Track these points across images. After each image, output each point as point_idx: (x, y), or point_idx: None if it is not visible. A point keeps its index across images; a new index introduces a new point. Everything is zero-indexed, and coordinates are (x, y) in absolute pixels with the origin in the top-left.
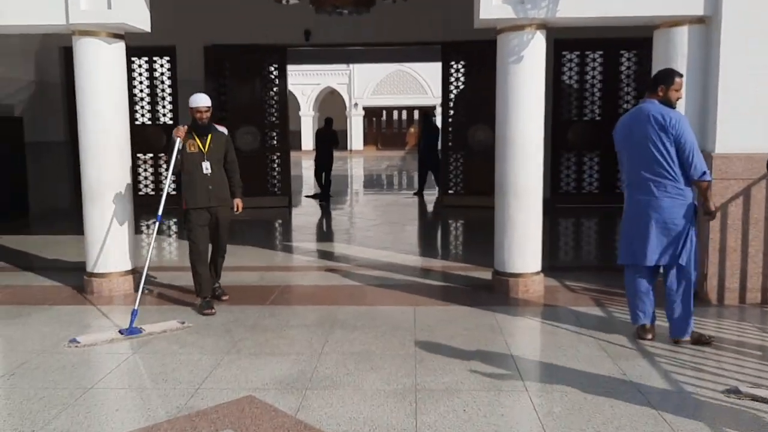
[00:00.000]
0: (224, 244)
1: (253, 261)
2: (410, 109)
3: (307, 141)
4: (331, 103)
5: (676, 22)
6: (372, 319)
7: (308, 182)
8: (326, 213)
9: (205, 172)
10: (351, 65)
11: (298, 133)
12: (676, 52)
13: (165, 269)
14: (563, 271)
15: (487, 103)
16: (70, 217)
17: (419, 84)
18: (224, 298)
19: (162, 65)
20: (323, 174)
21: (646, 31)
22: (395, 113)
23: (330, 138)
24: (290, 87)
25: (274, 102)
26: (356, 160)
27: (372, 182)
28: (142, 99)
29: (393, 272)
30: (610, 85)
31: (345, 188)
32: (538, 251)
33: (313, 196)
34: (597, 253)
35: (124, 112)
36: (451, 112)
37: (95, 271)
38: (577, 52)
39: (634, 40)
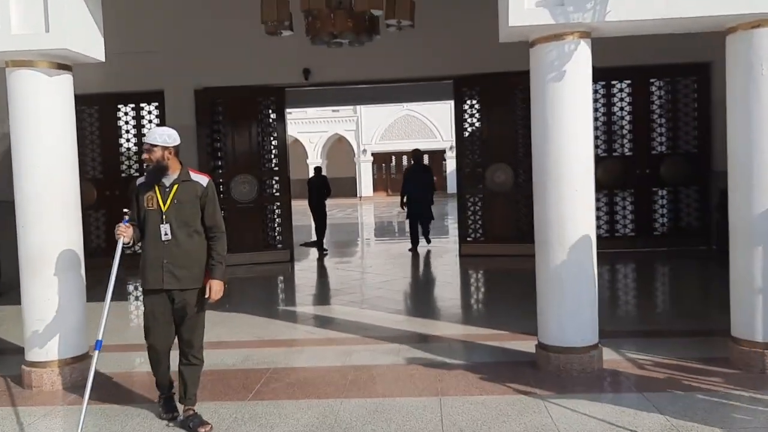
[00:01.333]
0: (192, 345)
1: (240, 333)
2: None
3: None
4: (339, 150)
5: (759, 22)
6: (386, 420)
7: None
8: (332, 268)
9: (163, 238)
10: (358, 111)
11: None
12: (761, 58)
13: (128, 348)
14: (618, 338)
15: (506, 140)
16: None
17: (427, 127)
18: (201, 431)
19: (150, 112)
20: (321, 224)
21: (677, 56)
22: (404, 158)
23: (321, 186)
24: (297, 135)
25: (272, 147)
26: (366, 206)
27: (383, 230)
28: (128, 149)
29: (410, 344)
30: (640, 117)
31: (355, 237)
32: (595, 318)
33: (310, 244)
34: (651, 312)
35: (72, 162)
36: (468, 152)
37: (35, 359)
38: (603, 83)
39: (664, 68)
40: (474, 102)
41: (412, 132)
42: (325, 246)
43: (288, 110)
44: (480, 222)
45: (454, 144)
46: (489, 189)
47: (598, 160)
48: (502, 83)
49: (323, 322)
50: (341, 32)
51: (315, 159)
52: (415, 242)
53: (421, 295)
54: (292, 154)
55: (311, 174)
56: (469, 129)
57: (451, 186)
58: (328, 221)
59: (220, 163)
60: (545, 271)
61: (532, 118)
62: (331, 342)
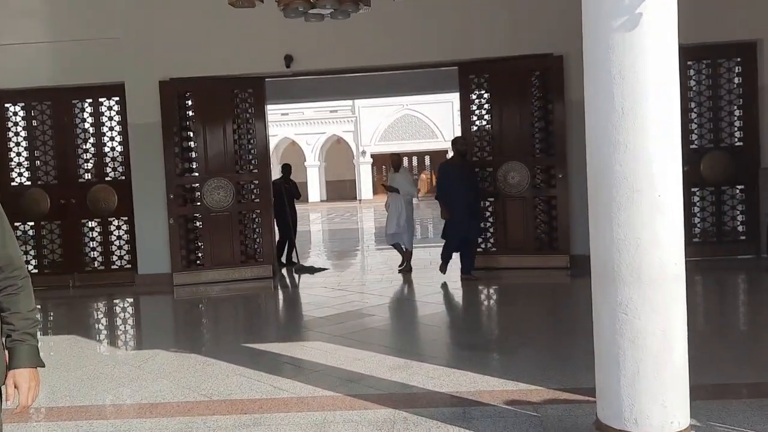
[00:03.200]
0: None
1: (186, 388)
2: (421, 154)
3: (314, 193)
4: (337, 151)
5: None
6: None
7: (315, 242)
8: (320, 286)
9: None
10: (356, 111)
11: (305, 185)
12: None
13: None
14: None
15: (520, 134)
16: None
17: (428, 127)
18: None
19: (110, 107)
20: (287, 234)
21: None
22: (405, 160)
23: (289, 190)
24: (294, 136)
25: (251, 147)
26: (366, 210)
27: (383, 236)
28: (86, 151)
29: (408, 409)
30: (747, 100)
31: (352, 246)
32: (685, 388)
33: (306, 269)
34: (709, 352)
35: None
36: (476, 149)
37: None
38: (707, 61)
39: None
40: (482, 91)
41: (412, 132)
42: (297, 258)
43: (272, 107)
44: (491, 230)
45: None
46: (501, 191)
47: (703, 152)
48: (515, 69)
49: (296, 370)
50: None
51: (313, 161)
52: (446, 260)
53: (423, 325)
54: (288, 157)
55: (276, 175)
56: (477, 123)
57: None
58: (321, 227)
59: (190, 165)
60: (609, 317)
61: (585, 90)
62: (302, 405)
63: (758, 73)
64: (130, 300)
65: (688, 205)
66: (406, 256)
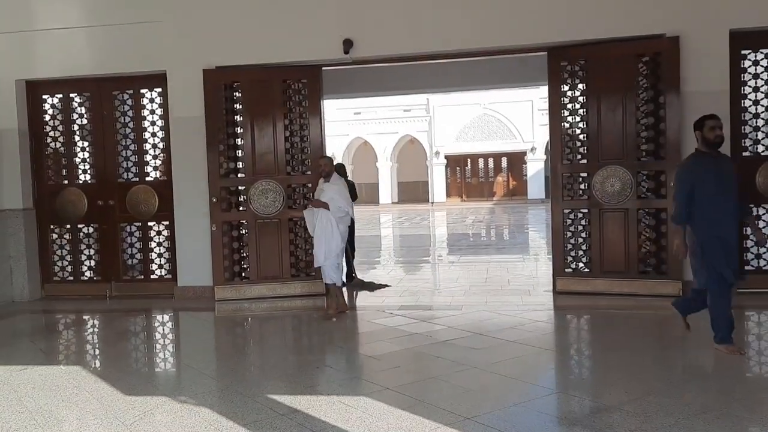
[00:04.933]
0: None
1: None
2: (497, 156)
3: (386, 194)
4: (410, 152)
5: None
6: None
7: (381, 249)
8: (379, 307)
9: None
10: (431, 110)
11: (376, 186)
12: None
13: None
14: None
15: (623, 134)
16: None
17: (506, 127)
18: None
19: (152, 100)
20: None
21: None
22: (480, 161)
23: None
24: (365, 136)
25: (305, 146)
26: (439, 213)
27: (458, 243)
28: (126, 148)
29: None
30: None
31: (424, 255)
32: None
33: (365, 285)
34: None
35: None
36: (567, 150)
37: None
38: (766, 50)
39: None
40: (576, 81)
41: (489, 133)
42: (354, 272)
43: (343, 104)
44: (584, 247)
45: (535, 144)
46: (597, 201)
47: (760, 161)
48: (617, 54)
49: None
50: None
51: (385, 162)
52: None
53: (505, 374)
54: (360, 157)
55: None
56: (569, 119)
57: (533, 192)
58: (391, 231)
59: (236, 165)
60: None
61: None
62: None
63: None
64: (165, 317)
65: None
66: (334, 295)
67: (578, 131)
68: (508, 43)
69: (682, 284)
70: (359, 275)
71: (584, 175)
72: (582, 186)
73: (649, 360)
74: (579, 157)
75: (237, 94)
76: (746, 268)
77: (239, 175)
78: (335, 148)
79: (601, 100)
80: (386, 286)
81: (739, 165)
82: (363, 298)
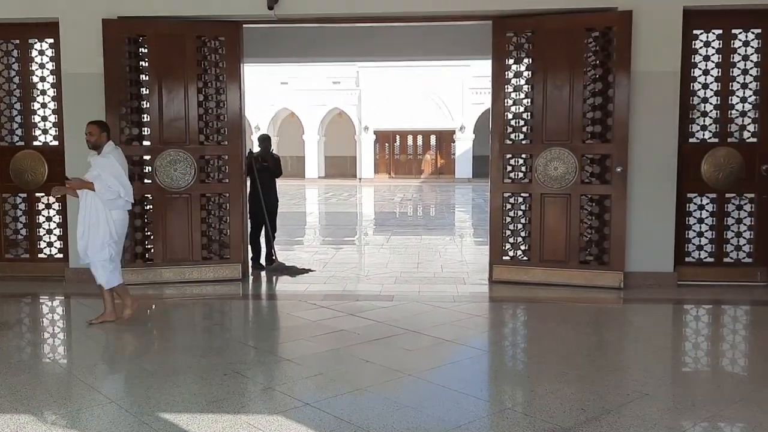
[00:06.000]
0: None
1: None
2: (427, 134)
3: (312, 168)
4: (338, 126)
5: None
6: None
7: (306, 227)
8: (305, 294)
9: None
10: (360, 83)
11: (302, 159)
12: None
13: None
14: None
15: (569, 114)
16: None
17: (436, 106)
18: None
19: (42, 52)
20: (263, 224)
21: None
22: (410, 138)
23: (268, 165)
24: (292, 107)
25: (221, 112)
26: (366, 189)
27: (387, 223)
28: (10, 107)
29: None
30: None
31: (351, 234)
32: None
33: (287, 269)
34: None
35: None
36: (509, 129)
37: None
38: (718, 31)
39: None
40: (522, 54)
41: (420, 110)
42: (275, 254)
43: (269, 70)
44: (523, 234)
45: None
46: (539, 186)
47: (705, 148)
48: (567, 27)
49: None
50: None
51: (313, 134)
52: None
53: (444, 384)
54: (286, 129)
55: (254, 145)
56: (513, 95)
57: (461, 171)
58: (316, 208)
59: (141, 131)
60: None
61: None
62: None
63: None
64: (51, 305)
65: (683, 216)
66: (107, 301)
67: (522, 109)
68: (450, 9)
69: (624, 275)
70: (280, 258)
71: (526, 156)
72: (524, 168)
73: (597, 367)
74: (522, 137)
75: (143, 49)
76: (687, 260)
77: (144, 143)
78: (260, 119)
79: (548, 76)
80: (310, 270)
81: (681, 152)
82: (284, 285)
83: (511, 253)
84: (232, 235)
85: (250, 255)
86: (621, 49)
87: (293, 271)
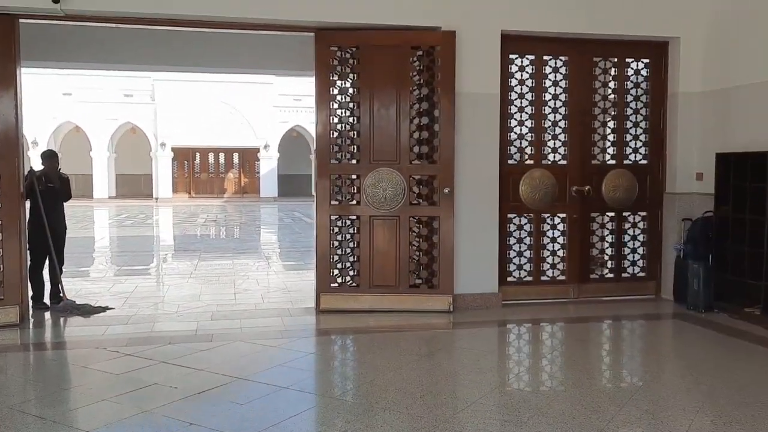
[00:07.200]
0: None
1: None
2: (229, 151)
3: (101, 188)
4: (131, 142)
5: None
6: None
7: (97, 255)
8: (100, 338)
9: None
10: (156, 97)
11: (89, 177)
12: None
13: None
14: None
15: (397, 132)
16: None
17: (239, 121)
18: None
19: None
20: (47, 255)
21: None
22: (211, 155)
23: (54, 186)
24: (77, 120)
25: None
26: (165, 210)
27: (193, 247)
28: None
29: None
30: (582, 110)
31: (150, 260)
32: None
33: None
34: None
35: None
36: (335, 148)
37: None
38: (531, 56)
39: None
40: (347, 70)
41: (222, 127)
42: (62, 291)
43: (44, 74)
44: (352, 258)
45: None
46: (369, 207)
47: (522, 170)
48: (392, 44)
49: None
50: None
51: (102, 151)
52: None
53: None
54: (70, 145)
55: (35, 163)
56: (339, 113)
57: (266, 190)
58: (108, 233)
59: None
60: None
61: None
62: None
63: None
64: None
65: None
66: None
67: (348, 128)
68: (269, 17)
69: (453, 298)
70: (69, 295)
71: (355, 177)
72: (351, 190)
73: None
74: (349, 156)
75: None
76: (508, 279)
77: None
78: (38, 133)
79: (375, 94)
80: (108, 308)
81: (502, 173)
82: (76, 328)
83: (339, 280)
84: (6, 272)
85: (30, 294)
86: (445, 69)
87: (86, 311)
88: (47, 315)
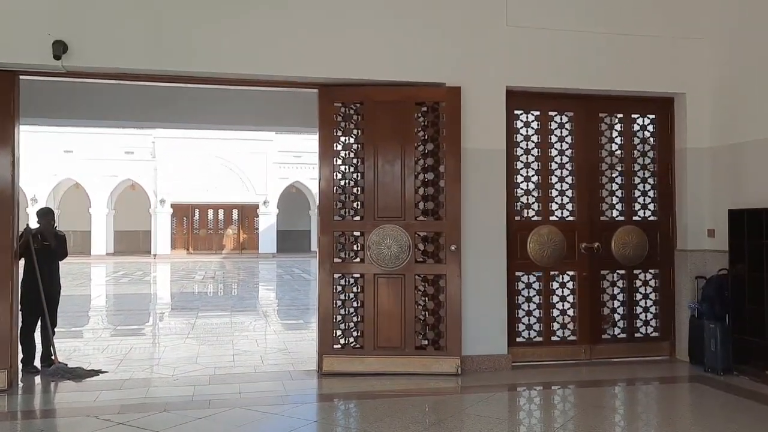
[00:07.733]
0: None
1: None
2: (228, 207)
3: (99, 244)
4: (131, 198)
5: None
6: None
7: (97, 306)
8: (94, 405)
9: None
10: (156, 154)
11: (88, 234)
12: None
13: None
14: None
15: (402, 188)
16: None
17: (239, 178)
18: None
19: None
20: (40, 316)
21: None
22: (210, 212)
23: (50, 245)
24: (77, 177)
25: None
26: (163, 267)
27: (191, 305)
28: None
29: None
30: (589, 163)
31: (146, 319)
32: None
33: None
34: None
35: None
36: (339, 205)
37: None
38: (536, 112)
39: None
40: (351, 125)
41: (221, 183)
42: (54, 353)
43: (49, 132)
44: (356, 318)
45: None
46: (374, 265)
47: (529, 226)
48: (396, 99)
49: None
50: None
51: (102, 208)
52: None
53: None
54: (70, 201)
55: (32, 220)
56: (343, 168)
57: (264, 246)
58: (104, 290)
59: None
60: None
61: None
62: None
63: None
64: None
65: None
66: None
67: (352, 184)
68: (273, 73)
69: (461, 360)
70: (61, 357)
71: (358, 234)
72: (355, 247)
73: None
74: (352, 213)
75: None
76: (518, 339)
77: None
78: (38, 190)
79: (379, 149)
80: (101, 372)
81: (510, 230)
82: (67, 394)
83: (342, 341)
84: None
85: (20, 356)
86: (450, 125)
87: (78, 374)
88: (37, 379)
